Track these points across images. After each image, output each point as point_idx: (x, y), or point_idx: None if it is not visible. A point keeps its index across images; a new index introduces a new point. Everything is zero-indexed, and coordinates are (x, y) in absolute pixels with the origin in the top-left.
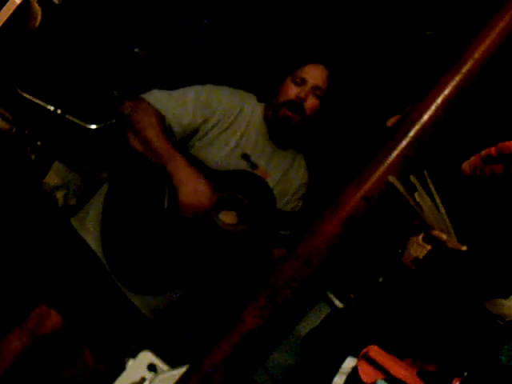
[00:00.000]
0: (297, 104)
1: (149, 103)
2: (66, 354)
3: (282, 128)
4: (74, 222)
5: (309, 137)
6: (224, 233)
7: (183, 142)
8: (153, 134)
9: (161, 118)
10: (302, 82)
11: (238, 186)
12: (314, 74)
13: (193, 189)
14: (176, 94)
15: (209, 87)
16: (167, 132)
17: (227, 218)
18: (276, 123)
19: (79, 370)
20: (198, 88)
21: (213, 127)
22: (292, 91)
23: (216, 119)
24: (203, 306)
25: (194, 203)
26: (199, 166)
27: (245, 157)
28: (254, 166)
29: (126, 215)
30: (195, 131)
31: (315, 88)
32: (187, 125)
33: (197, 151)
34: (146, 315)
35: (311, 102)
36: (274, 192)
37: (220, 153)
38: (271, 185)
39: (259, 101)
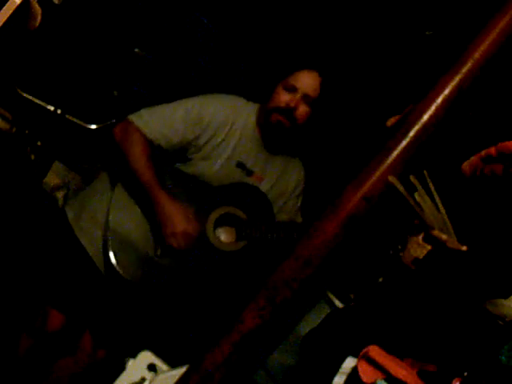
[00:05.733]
0: (286, 112)
1: (136, 128)
2: (67, 344)
3: (275, 132)
4: (68, 212)
5: (302, 142)
6: (226, 254)
7: (176, 156)
8: (139, 167)
9: (148, 144)
10: (293, 90)
11: (234, 200)
12: (305, 82)
13: (171, 231)
14: (165, 112)
15: (199, 101)
16: (154, 159)
17: (227, 235)
18: (268, 128)
19: (79, 357)
20: (187, 104)
21: (206, 142)
22: (283, 98)
23: (209, 135)
24: (203, 306)
25: (178, 243)
26: (196, 183)
27: (240, 165)
28: (249, 172)
29: (124, 243)
30: (187, 147)
31: (305, 96)
32: (177, 143)
33: (192, 166)
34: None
35: (302, 110)
36: (271, 194)
37: (215, 165)
38: (267, 187)
39: (248, 100)
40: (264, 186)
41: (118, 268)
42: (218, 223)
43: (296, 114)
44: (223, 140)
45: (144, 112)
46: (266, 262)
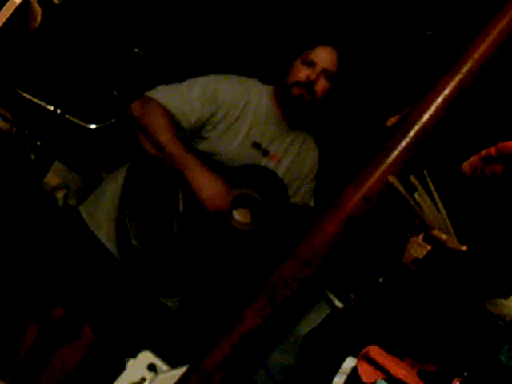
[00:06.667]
0: (307, 85)
1: (157, 102)
2: (68, 332)
3: (296, 106)
4: (83, 212)
5: (320, 120)
6: (239, 232)
7: (193, 135)
8: (166, 139)
9: (171, 118)
10: (312, 65)
11: (250, 182)
12: (324, 57)
13: (214, 193)
14: (182, 89)
15: (213, 79)
16: (178, 132)
17: (241, 216)
18: (289, 102)
19: (79, 344)
20: (203, 81)
21: (220, 121)
22: (302, 73)
23: (223, 112)
24: (203, 306)
25: (217, 207)
26: (211, 162)
27: (255, 145)
28: (265, 152)
29: (141, 217)
30: (203, 125)
31: (325, 71)
32: (196, 121)
33: (207, 145)
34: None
35: (322, 84)
36: (287, 176)
37: (231, 145)
38: (284, 169)
39: (263, 83)
40: (280, 168)
41: (134, 242)
42: (234, 204)
43: (316, 88)
44: (237, 119)
45: (162, 88)
46: (278, 246)
